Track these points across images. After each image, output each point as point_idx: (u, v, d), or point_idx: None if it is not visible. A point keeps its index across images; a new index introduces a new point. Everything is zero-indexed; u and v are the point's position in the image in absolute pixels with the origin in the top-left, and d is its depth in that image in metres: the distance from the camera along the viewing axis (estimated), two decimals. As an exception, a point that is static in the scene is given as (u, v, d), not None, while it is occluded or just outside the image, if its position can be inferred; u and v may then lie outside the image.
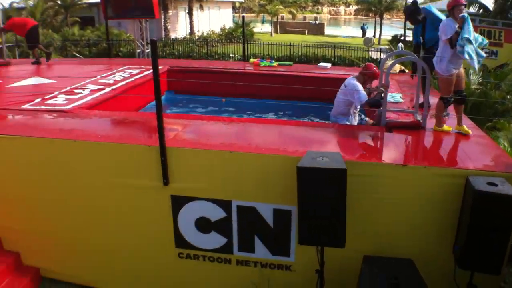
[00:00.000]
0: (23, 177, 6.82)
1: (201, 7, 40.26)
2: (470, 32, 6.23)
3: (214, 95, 11.17)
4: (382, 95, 7.26)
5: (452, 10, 6.46)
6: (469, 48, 6.19)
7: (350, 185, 5.07)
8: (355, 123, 8.21)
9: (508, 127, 8.69)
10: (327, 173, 5.02)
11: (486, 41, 6.59)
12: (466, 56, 6.20)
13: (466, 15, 6.35)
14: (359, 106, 8.20)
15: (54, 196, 6.76)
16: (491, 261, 4.93)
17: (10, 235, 7.19)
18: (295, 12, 56.27)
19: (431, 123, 7.08)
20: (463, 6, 6.50)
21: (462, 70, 6.75)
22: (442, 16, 7.73)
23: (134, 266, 6.85)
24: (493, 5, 26.76)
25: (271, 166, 5.88)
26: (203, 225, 6.33)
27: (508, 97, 10.78)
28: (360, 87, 7.84)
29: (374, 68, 8.12)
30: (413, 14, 8.10)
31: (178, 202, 6.29)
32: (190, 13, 39.35)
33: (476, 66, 6.41)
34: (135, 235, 6.64)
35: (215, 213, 6.24)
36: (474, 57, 6.24)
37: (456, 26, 6.33)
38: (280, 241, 6.20)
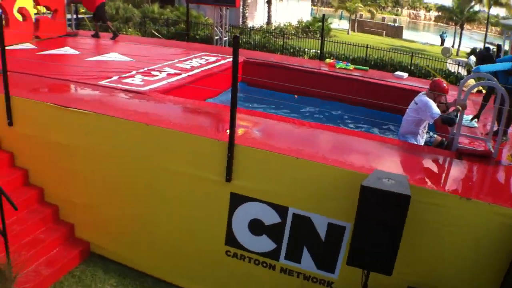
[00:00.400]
0: (91, 152, 7.08)
1: (278, -4, 40.26)
2: None
3: (287, 91, 11.17)
4: (458, 113, 7.08)
5: None
6: None
7: (409, 210, 4.96)
8: (423, 141, 8.01)
9: None
10: (390, 197, 4.93)
11: None
12: None
13: None
14: (428, 124, 8.00)
15: (119, 175, 7.00)
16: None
17: (68, 206, 7.47)
18: (374, 11, 55.40)
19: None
20: None
21: None
22: None
23: (182, 255, 6.97)
24: None
25: (334, 179, 5.83)
26: (256, 227, 6.36)
27: None
28: (432, 103, 7.58)
29: (444, 84, 7.85)
30: (485, 60, 7.90)
31: (236, 200, 6.35)
32: (269, 3, 39.36)
33: None
34: (190, 225, 6.76)
35: (270, 217, 6.25)
36: None
37: None
38: (328, 256, 6.13)
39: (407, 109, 7.99)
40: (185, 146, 6.50)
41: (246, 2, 36.52)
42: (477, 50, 7.57)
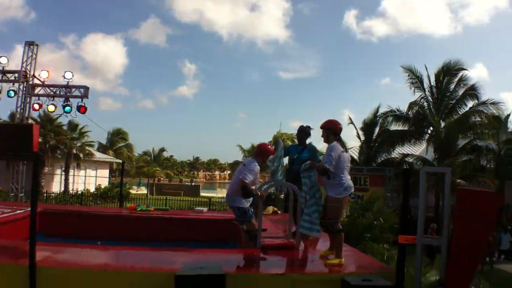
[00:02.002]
0: None
1: (78, 166, 39.85)
2: None
3: (89, 239, 10.76)
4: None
5: None
6: None
7: None
8: (248, 204, 7.97)
9: (377, 248, 9.24)
10: (206, 280, 4.94)
11: None
12: None
13: None
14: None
15: None
16: None
17: None
18: (172, 174, 57.26)
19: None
20: None
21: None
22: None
23: None
24: (358, 156, 29.50)
25: (148, 285, 5.62)
26: None
27: (375, 222, 11.61)
28: (256, 167, 7.80)
29: (268, 146, 8.35)
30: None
31: None
32: (66, 171, 38.71)
33: None
34: None
35: None
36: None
37: None
38: None
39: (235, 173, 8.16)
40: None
41: (43, 171, 35.51)
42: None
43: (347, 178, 6.56)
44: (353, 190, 6.66)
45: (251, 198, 7.93)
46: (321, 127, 6.84)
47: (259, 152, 8.14)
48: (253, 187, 7.78)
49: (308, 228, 7.09)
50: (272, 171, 9.47)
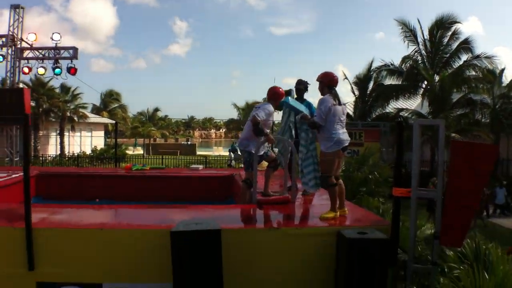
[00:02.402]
0: None
1: (72, 128, 39.68)
2: None
3: (87, 199, 10.79)
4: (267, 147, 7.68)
5: None
6: None
7: (226, 253, 5.05)
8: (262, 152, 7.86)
9: (372, 201, 9.31)
10: (202, 236, 4.96)
11: None
12: None
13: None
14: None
15: None
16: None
17: None
18: (167, 134, 57.17)
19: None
20: None
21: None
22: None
23: None
24: (352, 111, 29.63)
25: (144, 242, 5.66)
26: (69, 313, 5.79)
27: (370, 176, 11.68)
28: (267, 110, 7.62)
29: (280, 89, 8.07)
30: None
31: None
32: (61, 134, 38.58)
33: None
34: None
35: (86, 299, 5.77)
36: None
37: None
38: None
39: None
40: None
41: (37, 135, 35.38)
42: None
43: (339, 132, 6.35)
44: (345, 144, 6.44)
45: (265, 150, 7.87)
46: (317, 80, 6.73)
47: (271, 95, 7.93)
48: (268, 130, 7.67)
49: (305, 183, 7.14)
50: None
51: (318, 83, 6.64)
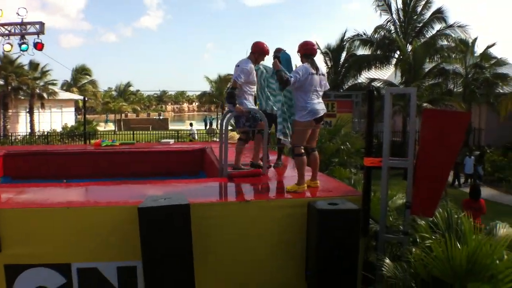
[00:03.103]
0: None
1: (42, 106, 38.87)
2: None
3: (56, 178, 10.56)
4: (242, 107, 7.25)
5: None
6: None
7: (196, 228, 4.95)
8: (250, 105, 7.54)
9: (344, 172, 9.28)
10: (170, 211, 4.83)
11: None
12: None
13: None
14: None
15: None
16: (344, 281, 4.99)
17: None
18: (139, 109, 56.59)
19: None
20: None
21: None
22: None
23: None
24: None
25: (112, 219, 5.50)
26: (42, 295, 5.64)
27: (342, 147, 11.64)
28: (247, 64, 7.25)
29: (264, 45, 7.53)
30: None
31: (12, 272, 5.53)
32: (31, 112, 37.76)
33: None
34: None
35: (54, 280, 5.56)
36: None
37: None
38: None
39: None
40: None
41: (7, 114, 34.60)
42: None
43: (314, 102, 6.23)
44: (320, 115, 6.31)
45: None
46: (297, 52, 6.60)
47: (254, 47, 7.46)
48: (253, 87, 7.51)
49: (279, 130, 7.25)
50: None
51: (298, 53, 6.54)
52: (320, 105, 6.33)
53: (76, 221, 5.52)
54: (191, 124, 35.02)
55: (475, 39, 25.87)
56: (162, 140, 13.21)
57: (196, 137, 30.53)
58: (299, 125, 6.22)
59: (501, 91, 24.74)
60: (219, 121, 50.25)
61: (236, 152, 7.59)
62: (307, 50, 6.45)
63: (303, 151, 6.24)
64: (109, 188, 7.03)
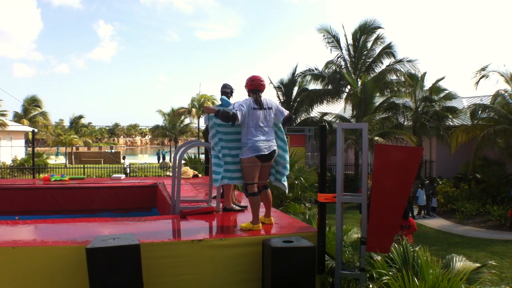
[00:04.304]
0: None
1: (-9, 137, 37.84)
2: None
3: (6, 213, 10.18)
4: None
5: None
6: None
7: (148, 268, 4.83)
8: None
9: (299, 207, 9.23)
10: (120, 251, 4.64)
11: None
12: None
13: None
14: None
15: None
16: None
17: None
18: (90, 142, 55.69)
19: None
20: None
21: None
22: None
23: None
24: None
25: (59, 260, 5.23)
26: None
27: (296, 182, 11.60)
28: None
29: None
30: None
31: None
32: (-21, 143, 36.67)
33: None
34: None
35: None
36: None
37: None
38: None
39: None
40: None
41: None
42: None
43: (255, 139, 6.02)
44: (264, 153, 6.05)
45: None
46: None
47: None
48: None
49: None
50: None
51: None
52: (264, 143, 6.09)
53: (22, 261, 5.24)
54: (123, 158, 34.00)
55: (424, 73, 26.68)
56: (113, 176, 12.88)
57: (129, 170, 30.20)
58: (242, 161, 6.10)
59: (451, 123, 25.41)
60: (173, 155, 50.08)
61: (225, 190, 7.37)
62: (252, 86, 6.30)
63: (256, 189, 6.12)
64: (57, 226, 6.74)
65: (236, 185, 7.70)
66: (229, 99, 8.01)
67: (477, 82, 22.02)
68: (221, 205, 7.39)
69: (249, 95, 6.34)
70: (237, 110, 5.96)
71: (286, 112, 6.46)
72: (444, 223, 17.91)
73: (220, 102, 7.27)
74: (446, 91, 26.16)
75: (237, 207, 7.45)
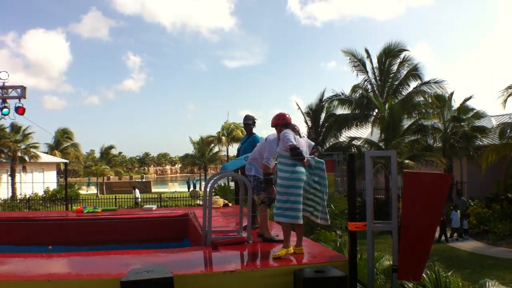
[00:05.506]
0: None
1: (24, 169, 38.47)
2: None
3: (39, 245, 10.37)
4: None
5: None
6: None
7: None
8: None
9: (330, 235, 9.21)
10: (154, 284, 4.73)
11: None
12: None
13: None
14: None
15: None
16: None
17: None
18: (122, 172, 56.33)
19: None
20: None
21: None
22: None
23: None
24: None
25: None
26: None
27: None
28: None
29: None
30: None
31: None
32: (12, 175, 37.31)
33: None
34: None
35: None
36: None
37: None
38: None
39: None
40: None
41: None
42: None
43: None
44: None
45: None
46: (272, 126, 6.67)
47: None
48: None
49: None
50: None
51: (274, 127, 6.64)
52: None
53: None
54: (133, 188, 34.61)
55: (452, 93, 26.47)
56: (145, 206, 13.06)
57: (139, 201, 30.13)
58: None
59: (480, 143, 25.11)
60: (203, 184, 50.33)
61: (262, 219, 7.43)
62: (284, 121, 6.57)
63: None
64: (91, 258, 6.85)
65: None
66: (251, 130, 8.35)
67: (505, 100, 21.86)
68: (251, 235, 7.45)
69: (280, 131, 6.44)
70: (290, 142, 6.09)
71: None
72: (477, 245, 17.60)
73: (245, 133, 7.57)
74: (474, 111, 25.94)
75: (277, 238, 7.21)
